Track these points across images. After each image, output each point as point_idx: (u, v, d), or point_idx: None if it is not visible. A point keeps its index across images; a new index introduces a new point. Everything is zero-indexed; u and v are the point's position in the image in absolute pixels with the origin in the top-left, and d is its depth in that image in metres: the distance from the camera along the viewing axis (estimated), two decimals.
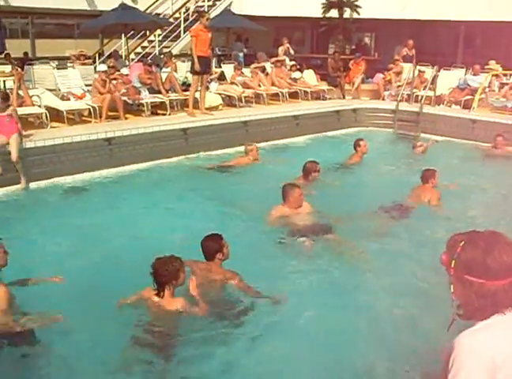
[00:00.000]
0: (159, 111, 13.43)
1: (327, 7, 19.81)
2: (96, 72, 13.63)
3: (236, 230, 7.59)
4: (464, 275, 2.32)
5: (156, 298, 5.14)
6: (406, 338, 5.29)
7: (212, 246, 5.71)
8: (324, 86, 17.82)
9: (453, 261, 2.35)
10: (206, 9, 20.76)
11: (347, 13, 20.05)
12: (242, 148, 12.49)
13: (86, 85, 13.29)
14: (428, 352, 4.60)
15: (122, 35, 19.30)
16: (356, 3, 19.74)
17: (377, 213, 8.41)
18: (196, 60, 12.72)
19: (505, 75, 17.23)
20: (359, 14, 19.78)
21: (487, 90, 16.18)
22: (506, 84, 16.48)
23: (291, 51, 20.05)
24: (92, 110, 12.05)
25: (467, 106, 15.89)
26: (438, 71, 16.76)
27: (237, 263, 5.98)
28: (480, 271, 2.28)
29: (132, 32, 19.25)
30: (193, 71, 13.02)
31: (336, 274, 6.54)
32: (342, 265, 6.79)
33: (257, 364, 4.90)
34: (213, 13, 19.93)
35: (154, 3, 21.19)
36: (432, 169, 9.37)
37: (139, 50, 20.15)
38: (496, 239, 2.33)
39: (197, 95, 13.36)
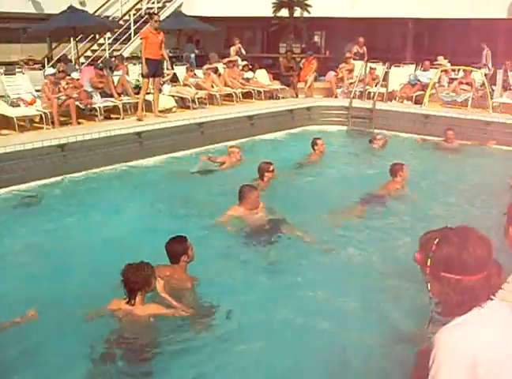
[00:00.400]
0: (112, 115, 13.24)
1: (278, 6, 19.88)
2: (45, 76, 13.35)
3: (198, 232, 7.50)
4: (441, 273, 2.33)
5: (126, 307, 5.03)
6: (374, 331, 5.34)
7: (177, 249, 5.63)
8: (277, 85, 17.87)
9: (429, 260, 2.36)
10: (156, 11, 20.58)
11: (297, 12, 20.13)
12: (198, 150, 12.57)
13: (36, 91, 13.00)
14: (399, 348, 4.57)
15: (71, 39, 19.02)
16: (306, 2, 19.87)
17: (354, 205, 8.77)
18: (144, 63, 12.59)
19: (453, 70, 17.59)
20: (309, 13, 19.93)
21: (436, 85, 16.48)
22: (455, 79, 16.83)
23: (243, 51, 20.06)
24: (43, 116, 11.79)
25: (418, 101, 16.21)
26: (389, 68, 16.99)
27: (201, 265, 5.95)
28: (456, 267, 2.29)
29: (81, 36, 18.96)
30: (142, 74, 12.88)
31: (298, 270, 6.64)
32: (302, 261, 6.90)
33: (228, 365, 4.91)
34: (164, 15, 19.83)
35: (103, 5, 20.92)
36: (400, 163, 9.60)
37: (89, 53, 19.92)
38: (469, 234, 2.35)
39: (151, 97, 13.23)
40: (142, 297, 5.05)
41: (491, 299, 2.34)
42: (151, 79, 12.83)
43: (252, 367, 4.90)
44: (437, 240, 2.36)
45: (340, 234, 7.89)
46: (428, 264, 2.36)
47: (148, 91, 13.46)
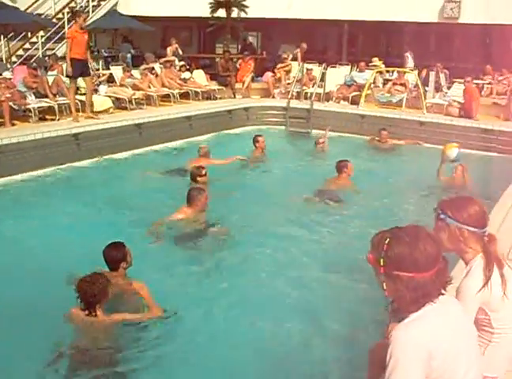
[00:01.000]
0: (47, 116, 12.90)
1: (215, 7, 19.80)
2: None
3: (136, 234, 7.53)
4: (394, 271, 2.38)
5: (88, 318, 4.90)
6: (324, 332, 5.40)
7: (116, 255, 5.47)
8: (214, 86, 17.84)
9: (382, 259, 2.40)
10: (91, 10, 20.25)
11: (234, 13, 20.13)
12: (136, 151, 12.44)
13: None
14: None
15: (1, 37, 18.43)
16: (244, 3, 19.86)
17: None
18: (69, 63, 12.30)
19: (387, 71, 18.00)
20: (246, 14, 19.94)
21: (372, 86, 16.82)
22: (390, 80, 17.23)
23: (180, 52, 19.91)
24: None
25: (354, 101, 16.50)
26: (326, 68, 17.23)
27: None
28: (408, 265, 2.35)
29: (12, 33, 18.37)
30: (68, 75, 12.59)
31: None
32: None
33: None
34: (99, 14, 19.49)
35: (34, 3, 20.29)
36: (345, 160, 9.97)
37: (21, 52, 19.27)
38: (419, 233, 2.41)
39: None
40: (102, 307, 4.94)
41: (442, 294, 2.42)
42: (80, 79, 12.56)
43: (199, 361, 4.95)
44: (388, 240, 2.41)
45: (285, 228, 8.11)
46: (381, 263, 2.40)
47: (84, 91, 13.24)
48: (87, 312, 4.89)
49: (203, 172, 9.14)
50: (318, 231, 8.12)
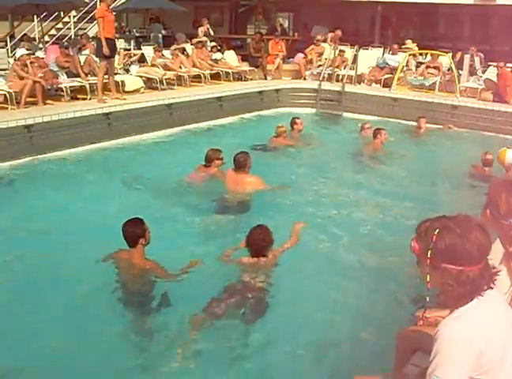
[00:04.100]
0: (79, 96, 12.97)
1: None
2: (9, 56, 13.00)
3: (169, 213, 7.76)
4: (442, 264, 2.29)
5: (257, 261, 5.69)
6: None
7: (135, 231, 5.48)
8: (245, 67, 17.75)
9: (430, 251, 2.30)
10: None
11: None
12: (167, 131, 12.49)
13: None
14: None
15: (35, 17, 18.53)
16: None
17: None
18: (105, 43, 12.09)
19: (421, 54, 17.70)
20: None
21: (405, 69, 16.57)
22: (423, 63, 16.95)
23: (211, 32, 19.82)
24: (8, 95, 11.50)
25: (386, 84, 16.29)
26: (358, 51, 17.02)
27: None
28: (459, 257, 2.26)
29: (45, 13, 18.45)
30: (101, 55, 12.37)
31: None
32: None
33: None
34: None
35: None
36: (381, 128, 11.49)
37: (53, 32, 19.38)
38: (470, 223, 2.31)
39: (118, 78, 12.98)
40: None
41: (491, 288, 2.33)
42: (107, 60, 12.40)
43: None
44: (437, 230, 2.30)
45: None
46: (429, 255, 2.31)
47: (116, 71, 13.28)
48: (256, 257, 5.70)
49: (220, 156, 8.89)
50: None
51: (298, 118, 12.36)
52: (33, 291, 5.65)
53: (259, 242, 5.68)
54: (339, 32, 18.96)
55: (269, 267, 5.76)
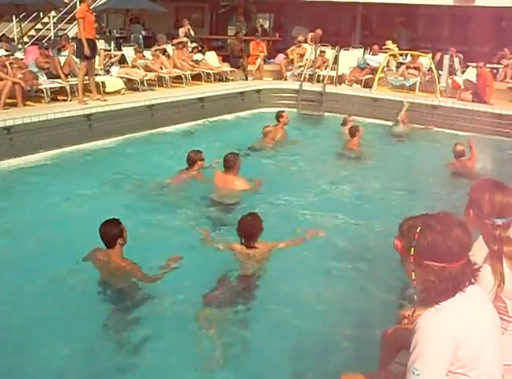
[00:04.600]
0: (59, 97, 12.87)
1: None
2: None
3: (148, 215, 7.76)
4: (425, 261, 2.33)
5: (248, 250, 5.87)
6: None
7: (113, 232, 5.51)
8: (226, 68, 17.74)
9: (412, 248, 2.34)
10: None
11: None
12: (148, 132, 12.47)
13: None
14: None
15: (13, 17, 18.37)
16: None
17: None
18: (85, 44, 11.97)
19: (401, 55, 17.82)
20: None
21: (385, 69, 16.67)
22: (403, 63, 17.07)
23: (192, 33, 19.77)
24: None
25: (367, 85, 16.39)
26: (339, 51, 17.09)
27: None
28: (440, 254, 2.30)
29: (23, 14, 18.30)
30: (81, 56, 12.23)
31: None
32: None
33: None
34: None
35: None
36: (356, 125, 11.80)
37: (32, 33, 19.22)
38: (450, 220, 2.35)
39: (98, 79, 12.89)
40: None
41: (472, 284, 2.37)
42: (88, 61, 12.29)
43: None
44: (419, 228, 2.35)
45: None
46: (412, 252, 2.35)
47: (96, 72, 13.21)
48: (246, 244, 5.86)
49: (202, 157, 8.87)
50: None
51: (283, 112, 12.56)
52: (9, 292, 5.64)
53: (249, 228, 5.88)
54: (319, 31, 19.04)
55: (260, 258, 5.92)
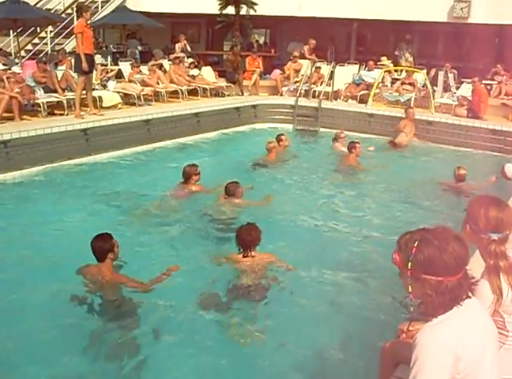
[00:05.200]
0: (56, 111, 12.90)
1: (224, 4, 19.74)
2: None
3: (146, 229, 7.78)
4: (422, 275, 2.36)
5: (245, 258, 6.02)
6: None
7: (104, 246, 5.59)
8: (222, 83, 17.84)
9: (410, 262, 2.38)
10: (100, 5, 20.22)
11: (243, 10, 20.06)
12: (144, 147, 12.49)
13: None
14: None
15: (11, 32, 18.46)
16: (253, 0, 19.78)
17: None
18: (83, 58, 12.00)
19: (396, 71, 17.96)
20: (255, 11, 19.86)
21: (380, 85, 16.78)
22: (398, 79, 17.19)
23: (188, 48, 19.93)
24: None
25: (362, 100, 16.50)
26: (335, 67, 17.21)
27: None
28: (437, 268, 2.34)
29: (21, 28, 18.39)
30: (79, 70, 12.27)
31: None
32: None
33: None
34: (108, 9, 19.54)
35: None
36: (355, 141, 11.80)
37: (29, 47, 19.30)
38: (447, 235, 2.38)
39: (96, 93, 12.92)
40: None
41: (469, 297, 2.41)
42: (86, 76, 12.35)
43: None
44: (416, 242, 2.38)
45: None
46: (409, 266, 2.39)
47: (93, 87, 13.26)
48: (244, 254, 6.01)
49: (197, 171, 8.95)
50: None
51: (283, 135, 12.54)
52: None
53: (245, 237, 6.05)
54: (313, 41, 19.19)
55: (256, 267, 6.00)
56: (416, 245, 2.38)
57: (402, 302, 5.33)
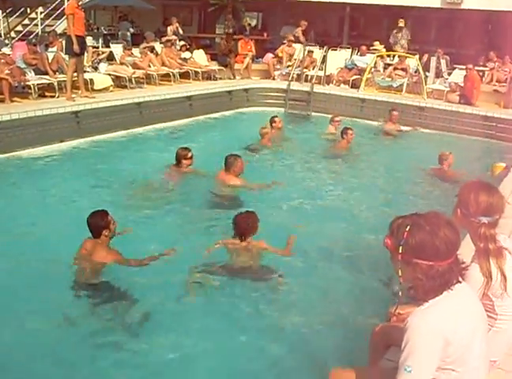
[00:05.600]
0: (47, 93, 12.81)
1: None
2: None
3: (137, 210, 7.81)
4: (413, 259, 2.39)
5: (241, 244, 6.09)
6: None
7: (99, 223, 5.63)
8: (214, 66, 17.76)
9: (401, 247, 2.41)
10: None
11: None
12: (136, 130, 12.47)
13: None
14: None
15: (0, 12, 18.26)
16: None
17: None
18: (75, 40, 11.90)
19: (388, 56, 17.94)
20: None
21: (373, 70, 16.77)
22: (390, 64, 17.19)
23: (180, 31, 19.80)
24: None
25: (355, 85, 16.49)
26: (327, 51, 17.17)
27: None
28: (428, 253, 2.36)
29: (10, 9, 18.17)
30: (70, 52, 12.16)
31: None
32: None
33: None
34: None
35: None
36: (348, 127, 11.78)
37: (19, 28, 19.10)
38: (439, 220, 2.41)
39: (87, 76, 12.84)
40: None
41: (460, 282, 2.44)
42: (77, 58, 12.25)
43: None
44: (408, 227, 2.41)
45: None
46: (400, 251, 2.41)
47: (84, 69, 13.18)
48: (240, 239, 6.07)
49: (189, 155, 8.90)
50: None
51: (276, 117, 12.59)
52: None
53: (242, 224, 6.07)
54: (305, 22, 19.14)
55: (252, 252, 6.08)
56: (407, 229, 2.41)
57: (392, 286, 5.37)
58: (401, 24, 18.33)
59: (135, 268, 5.71)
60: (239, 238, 6.09)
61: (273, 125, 12.34)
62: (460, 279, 2.44)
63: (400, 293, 2.62)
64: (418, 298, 2.46)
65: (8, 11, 17.93)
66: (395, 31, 18.47)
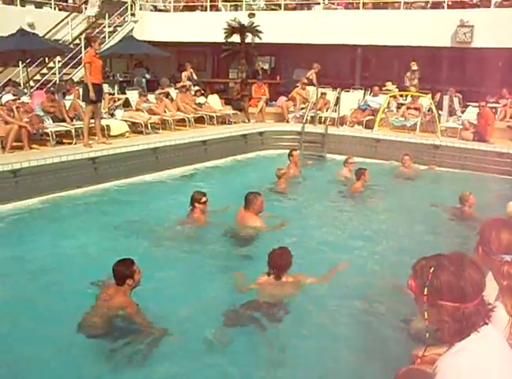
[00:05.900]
0: (64, 140, 13.02)
1: (229, 32, 19.99)
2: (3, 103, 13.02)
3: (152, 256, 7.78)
4: (438, 301, 2.35)
5: (277, 281, 6.22)
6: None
7: (123, 271, 5.65)
8: (229, 110, 17.96)
9: (426, 288, 2.38)
10: (107, 35, 20.49)
11: (248, 38, 20.30)
12: (152, 175, 12.55)
13: None
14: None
15: (20, 63, 18.68)
16: (258, 28, 20.02)
17: None
18: (91, 88, 12.16)
19: (401, 96, 18.06)
20: (260, 39, 20.09)
21: (386, 110, 16.87)
22: (403, 104, 17.29)
23: (195, 76, 20.14)
24: None
25: (368, 126, 16.56)
26: (340, 93, 17.32)
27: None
28: (454, 295, 2.33)
29: (29, 60, 18.60)
30: (88, 100, 12.39)
31: None
32: None
33: None
34: (115, 39, 19.78)
35: (53, 29, 20.48)
36: (363, 168, 11.86)
37: (38, 77, 19.50)
38: (464, 261, 2.38)
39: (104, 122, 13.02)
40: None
41: (486, 324, 2.39)
42: (93, 105, 12.46)
43: None
44: (432, 268, 2.38)
45: None
46: (425, 292, 2.38)
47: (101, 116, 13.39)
48: (275, 277, 6.22)
49: (203, 199, 8.87)
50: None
51: (294, 150, 12.91)
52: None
53: (278, 260, 6.25)
54: (317, 65, 19.36)
55: (288, 289, 6.23)
56: (431, 271, 2.38)
57: (410, 327, 5.30)
58: (414, 67, 18.52)
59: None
60: (275, 274, 6.24)
61: (291, 158, 12.62)
62: (487, 321, 2.39)
63: (427, 335, 2.56)
64: (444, 341, 2.41)
65: (27, 61, 18.33)
66: (408, 73, 18.64)
